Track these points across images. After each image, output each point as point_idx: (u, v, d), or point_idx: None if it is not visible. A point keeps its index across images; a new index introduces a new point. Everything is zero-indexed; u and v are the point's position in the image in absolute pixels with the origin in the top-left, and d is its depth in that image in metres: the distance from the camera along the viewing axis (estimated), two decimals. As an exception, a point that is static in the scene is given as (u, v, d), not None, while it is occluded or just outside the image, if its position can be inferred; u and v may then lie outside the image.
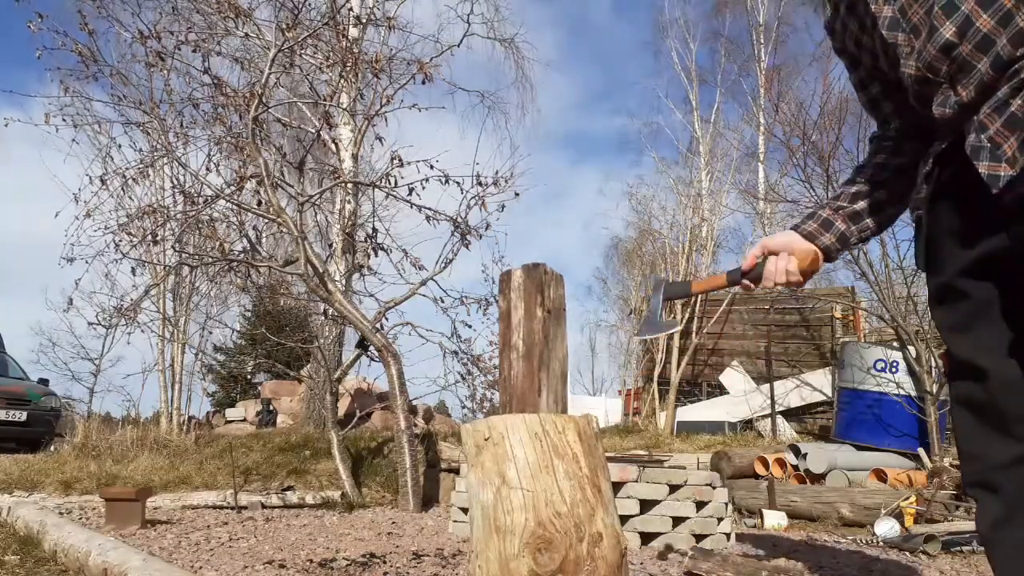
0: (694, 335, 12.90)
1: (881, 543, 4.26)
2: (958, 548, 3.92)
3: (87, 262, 6.42)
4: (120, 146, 7.01)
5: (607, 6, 38.48)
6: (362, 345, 6.32)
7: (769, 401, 11.05)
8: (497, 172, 6.32)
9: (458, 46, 7.10)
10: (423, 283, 6.40)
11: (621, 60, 38.59)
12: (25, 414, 10.58)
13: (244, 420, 11.78)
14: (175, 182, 7.06)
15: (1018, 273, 1.24)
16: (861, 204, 1.57)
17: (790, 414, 11.43)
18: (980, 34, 1.18)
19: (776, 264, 1.60)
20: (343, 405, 9.05)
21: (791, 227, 1.65)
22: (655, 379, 13.16)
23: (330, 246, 8.54)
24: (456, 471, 5.84)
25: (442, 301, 6.73)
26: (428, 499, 5.77)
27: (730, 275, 1.71)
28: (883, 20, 1.32)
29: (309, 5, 6.53)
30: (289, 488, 6.11)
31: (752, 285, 1.67)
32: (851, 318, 12.03)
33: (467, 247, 6.40)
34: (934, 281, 1.38)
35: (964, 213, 1.30)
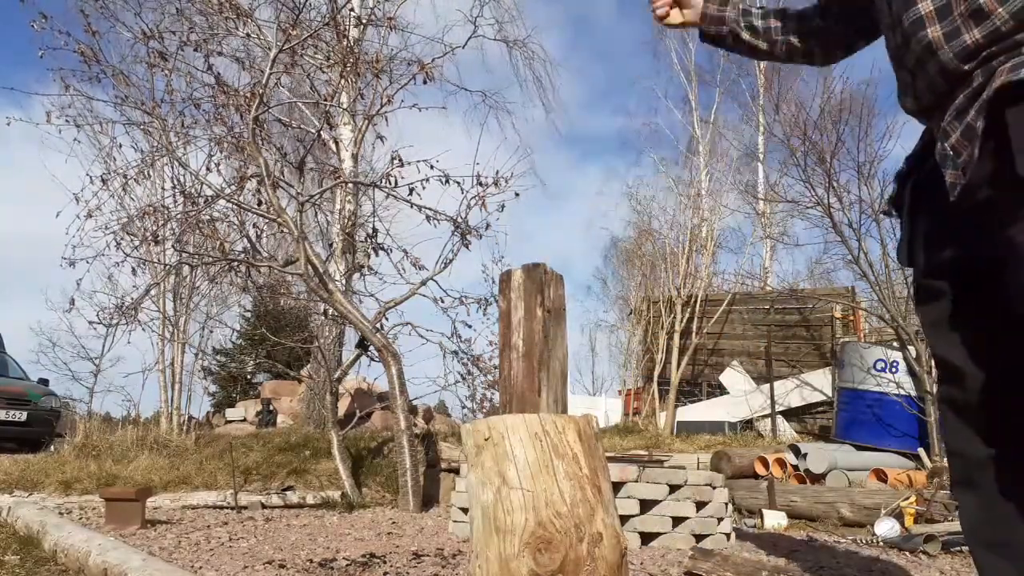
0: (694, 335, 12.90)
1: (881, 543, 4.26)
2: (958, 548, 3.92)
3: (88, 263, 6.43)
4: (121, 146, 7.03)
5: (611, 5, 38.47)
6: (362, 345, 6.32)
7: (769, 401, 11.05)
8: (497, 172, 6.33)
9: (463, 47, 7.10)
10: (423, 283, 6.40)
11: (623, 59, 38.59)
12: (25, 414, 10.58)
13: (244, 420, 11.78)
14: (176, 182, 7.07)
15: (979, 279, 1.26)
16: (761, 23, 1.73)
17: (790, 414, 11.43)
18: (926, 40, 1.20)
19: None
20: (343, 405, 9.04)
21: None
22: (655, 379, 13.16)
23: (330, 246, 8.54)
24: (456, 471, 5.84)
25: (442, 301, 6.73)
26: (428, 499, 5.77)
27: None
28: None
29: (310, 5, 6.52)
30: (289, 488, 6.11)
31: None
32: (851, 318, 12.04)
33: (467, 247, 6.40)
34: (914, 280, 1.42)
35: (935, 215, 1.33)
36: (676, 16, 1.82)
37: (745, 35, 1.74)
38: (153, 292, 9.25)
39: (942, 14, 1.18)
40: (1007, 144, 1.07)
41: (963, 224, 1.23)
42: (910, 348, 8.12)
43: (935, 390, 7.82)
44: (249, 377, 14.57)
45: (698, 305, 13.10)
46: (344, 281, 7.70)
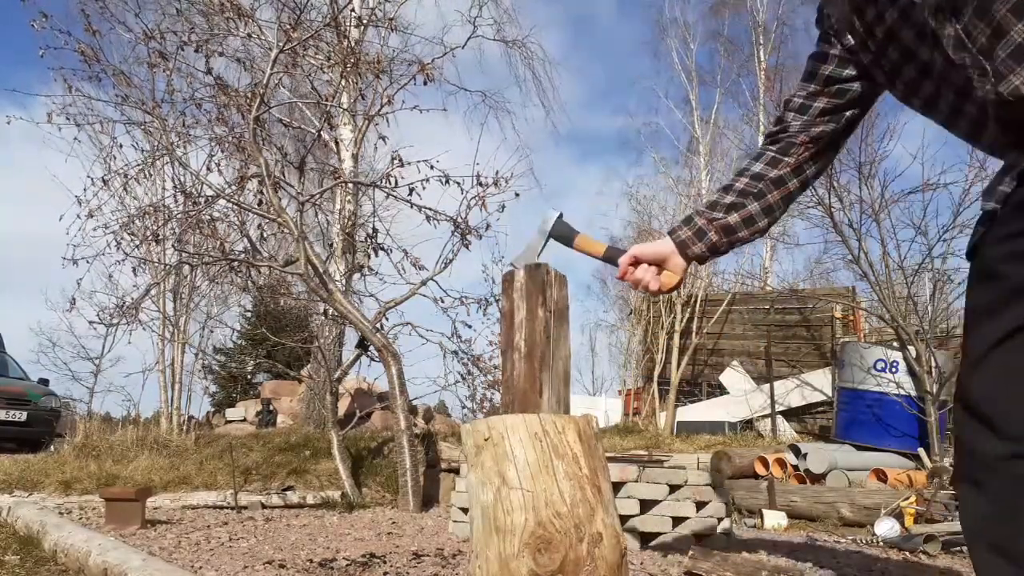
0: (694, 335, 12.90)
1: (881, 543, 4.26)
2: (958, 548, 3.92)
3: (88, 262, 6.44)
4: (121, 146, 7.03)
5: (612, 5, 38.46)
6: (362, 345, 6.32)
7: (769, 401, 11.05)
8: (497, 172, 6.33)
9: (462, 47, 7.11)
10: (423, 283, 6.40)
11: (624, 59, 38.58)
12: (25, 414, 10.58)
13: (244, 420, 11.78)
14: (176, 182, 7.07)
15: None
16: (734, 217, 1.63)
17: (790, 414, 11.43)
18: None
19: (644, 275, 1.72)
20: (343, 405, 9.04)
21: (668, 231, 1.72)
22: (655, 379, 13.16)
23: (330, 246, 8.54)
24: (456, 471, 5.85)
25: (442, 301, 6.73)
26: (428, 499, 5.77)
27: (609, 250, 1.81)
28: (948, 39, 1.26)
29: (311, 6, 6.53)
30: (289, 488, 6.11)
31: (620, 275, 1.78)
32: (851, 318, 12.04)
33: (467, 247, 6.40)
34: (976, 264, 1.35)
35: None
36: (669, 279, 1.74)
37: (742, 233, 1.66)
38: (153, 292, 9.26)
39: None
40: None
41: None
42: (910, 348, 8.12)
43: (935, 391, 7.84)
44: (249, 377, 14.57)
45: (698, 305, 13.10)
46: (344, 281, 7.70)
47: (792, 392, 11.35)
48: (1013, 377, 1.28)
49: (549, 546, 1.52)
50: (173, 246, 7.58)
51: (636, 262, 1.75)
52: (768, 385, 11.19)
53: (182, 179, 6.87)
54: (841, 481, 6.55)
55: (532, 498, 1.55)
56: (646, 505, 3.94)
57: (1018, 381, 1.28)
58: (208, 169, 6.43)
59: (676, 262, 1.71)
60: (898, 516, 4.81)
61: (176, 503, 5.38)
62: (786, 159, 1.61)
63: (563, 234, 1.83)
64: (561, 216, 1.86)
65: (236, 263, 6.59)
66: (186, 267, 9.30)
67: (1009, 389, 1.28)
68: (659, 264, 1.74)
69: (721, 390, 12.40)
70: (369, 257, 7.18)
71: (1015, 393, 1.28)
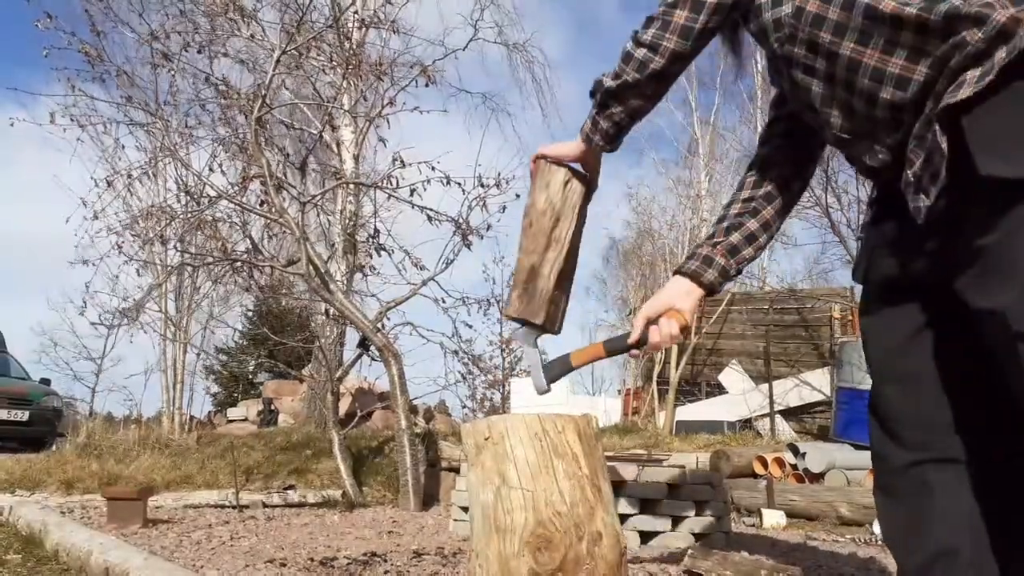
0: (693, 335, 12.91)
1: (879, 542, 4.28)
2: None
3: (94, 264, 6.47)
4: (124, 147, 7.05)
5: (613, 5, 38.44)
6: (363, 345, 6.34)
7: (768, 401, 11.07)
8: (499, 173, 6.35)
9: (463, 50, 7.13)
10: (424, 283, 6.42)
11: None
12: (27, 414, 10.60)
13: (246, 420, 11.81)
14: (179, 183, 7.09)
15: (938, 289, 1.27)
16: (736, 237, 1.65)
17: (789, 414, 11.45)
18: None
19: (660, 331, 1.66)
20: (344, 405, 9.06)
21: (674, 271, 1.72)
22: (654, 379, 13.17)
23: (332, 246, 8.56)
24: (457, 470, 5.86)
25: (443, 301, 6.75)
26: (428, 498, 5.79)
27: (608, 345, 1.74)
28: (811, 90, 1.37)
29: (313, 7, 6.55)
30: (290, 487, 6.12)
31: (639, 353, 1.73)
32: (850, 318, 12.05)
33: (468, 248, 6.42)
34: (868, 284, 1.45)
35: (895, 244, 1.35)
36: (679, 335, 1.69)
37: (746, 251, 1.67)
38: (155, 292, 9.28)
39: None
40: (965, 152, 1.10)
41: (925, 243, 1.25)
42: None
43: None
44: (251, 377, 14.59)
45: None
46: (345, 281, 7.72)
47: (791, 392, 11.36)
48: (903, 387, 1.36)
49: (549, 545, 1.54)
50: (175, 247, 7.60)
51: (650, 323, 1.69)
52: (767, 385, 11.20)
53: (185, 180, 6.90)
54: (840, 480, 6.57)
55: (532, 497, 1.57)
56: (645, 504, 3.95)
57: (908, 390, 1.35)
58: (211, 170, 6.46)
59: (684, 303, 1.68)
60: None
61: (178, 502, 5.40)
62: (768, 175, 1.66)
63: (558, 372, 1.76)
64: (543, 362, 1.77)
65: (238, 263, 6.61)
66: (188, 267, 9.32)
67: (902, 399, 1.36)
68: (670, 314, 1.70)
69: (720, 390, 12.42)
70: (371, 257, 7.20)
71: (907, 402, 1.35)
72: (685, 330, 1.70)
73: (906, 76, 1.19)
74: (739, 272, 1.71)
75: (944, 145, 1.11)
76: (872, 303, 1.43)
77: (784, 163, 1.65)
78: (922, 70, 1.17)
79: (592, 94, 1.61)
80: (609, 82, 1.54)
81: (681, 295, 1.67)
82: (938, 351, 1.32)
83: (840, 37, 1.24)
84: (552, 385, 1.76)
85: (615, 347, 1.74)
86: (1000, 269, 1.13)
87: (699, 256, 1.67)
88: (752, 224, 1.65)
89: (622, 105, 1.56)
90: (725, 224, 1.67)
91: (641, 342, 1.69)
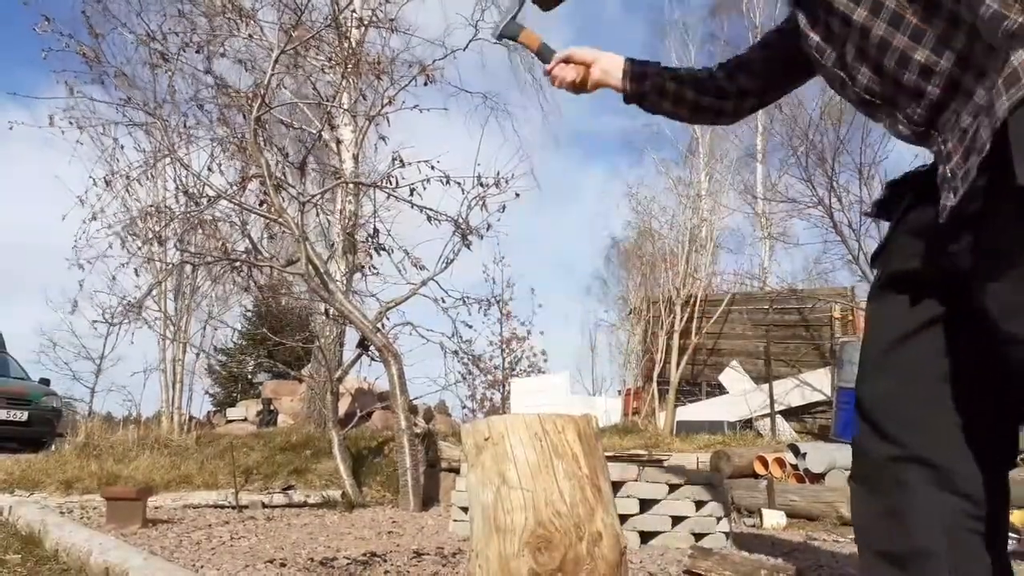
0: (694, 335, 12.91)
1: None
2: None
3: (91, 263, 6.47)
4: (123, 147, 7.04)
5: (616, 5, 38.44)
6: (363, 345, 6.33)
7: (768, 401, 11.06)
8: (498, 173, 6.34)
9: (464, 49, 7.12)
10: (424, 283, 6.41)
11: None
12: (26, 414, 10.59)
13: (245, 420, 11.79)
14: (178, 183, 7.09)
15: (949, 287, 1.26)
16: (672, 86, 1.73)
17: (789, 414, 11.44)
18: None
19: (561, 71, 1.82)
20: (344, 405, 9.05)
21: (626, 60, 1.81)
22: (655, 379, 13.17)
23: (331, 246, 8.56)
24: (456, 470, 5.85)
25: (443, 301, 6.75)
26: (428, 498, 5.78)
27: (542, 48, 1.90)
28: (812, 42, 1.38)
29: (312, 6, 6.54)
30: (290, 487, 6.12)
31: (547, 68, 1.86)
32: (850, 318, 12.05)
33: (468, 247, 6.42)
34: (881, 272, 1.43)
35: (919, 232, 1.32)
36: (572, 85, 1.83)
37: (669, 85, 1.74)
38: (155, 292, 9.28)
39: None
40: (1006, 155, 1.04)
41: (947, 239, 1.21)
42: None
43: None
44: (250, 377, 14.59)
45: (698, 305, 13.11)
46: (345, 281, 7.71)
47: (791, 392, 11.36)
48: (895, 381, 1.34)
49: (549, 545, 1.53)
50: (175, 246, 7.60)
51: (568, 60, 1.82)
52: (767, 385, 11.20)
53: (184, 180, 6.89)
54: (840, 481, 6.55)
55: (532, 498, 1.56)
56: (645, 504, 3.95)
57: (900, 385, 1.33)
58: (210, 170, 6.46)
59: (611, 61, 1.78)
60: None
61: (177, 502, 5.39)
62: (719, 74, 1.73)
63: (511, 33, 1.94)
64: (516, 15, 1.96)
65: (237, 263, 6.60)
66: (188, 267, 9.32)
67: (892, 393, 1.34)
68: (588, 66, 1.81)
69: (720, 390, 12.41)
70: (370, 257, 7.19)
71: (896, 397, 1.34)
72: (574, 87, 1.81)
73: (942, 44, 1.15)
74: (637, 96, 1.77)
75: (988, 144, 1.06)
76: (883, 289, 1.39)
77: (734, 78, 1.70)
78: (960, 37, 1.13)
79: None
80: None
81: (606, 62, 1.78)
82: (943, 350, 1.29)
83: None
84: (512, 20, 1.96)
85: (543, 53, 1.89)
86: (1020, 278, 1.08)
87: (644, 71, 1.76)
88: (671, 86, 1.73)
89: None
90: (677, 73, 1.76)
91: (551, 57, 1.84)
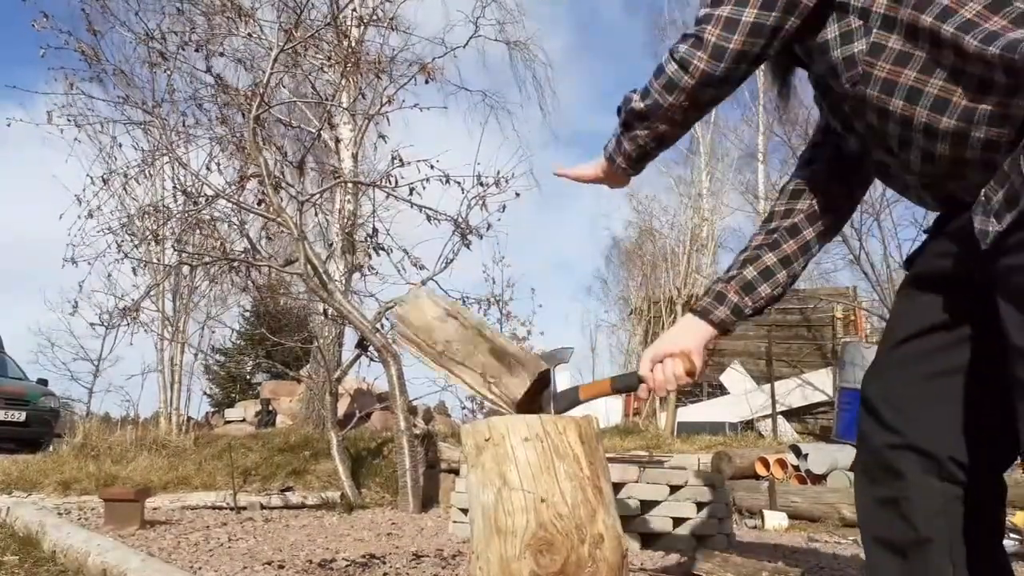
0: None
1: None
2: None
3: (89, 263, 6.44)
4: (121, 145, 7.02)
5: (616, 5, 38.46)
6: (362, 345, 6.31)
7: (770, 401, 11.05)
8: (498, 172, 6.33)
9: (463, 47, 7.11)
10: (423, 283, 6.39)
11: (627, 59, 38.58)
12: (24, 414, 10.57)
13: (243, 420, 11.78)
14: (176, 182, 7.07)
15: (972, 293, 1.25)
16: (750, 271, 1.53)
17: (791, 414, 11.43)
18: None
19: (664, 372, 1.57)
20: (343, 405, 9.03)
21: (688, 309, 1.63)
22: (655, 379, 13.13)
23: (330, 246, 8.54)
24: (456, 472, 5.83)
25: (442, 301, 6.71)
26: (428, 500, 5.76)
27: (615, 382, 1.71)
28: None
29: (311, 5, 6.52)
30: (288, 489, 6.10)
31: (644, 394, 1.68)
32: (852, 318, 12.04)
33: (467, 247, 6.40)
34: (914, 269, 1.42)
35: (956, 227, 1.30)
36: (683, 376, 1.58)
37: (762, 288, 1.53)
38: (153, 292, 9.25)
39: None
40: None
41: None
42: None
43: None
44: (248, 377, 14.58)
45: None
46: (344, 281, 7.69)
47: (793, 392, 11.35)
48: (901, 373, 1.35)
49: (551, 547, 1.51)
50: (173, 246, 7.58)
51: (655, 364, 1.60)
52: (769, 385, 11.19)
53: (182, 179, 6.87)
54: (842, 482, 6.54)
55: (533, 499, 1.54)
56: (646, 506, 3.93)
57: (905, 377, 1.34)
58: (208, 169, 6.44)
59: (690, 343, 1.58)
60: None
61: (175, 504, 5.37)
62: (798, 206, 1.54)
63: (569, 402, 1.76)
64: (558, 359, 1.79)
65: (236, 263, 6.58)
66: (186, 267, 9.30)
67: (896, 384, 1.35)
68: (675, 354, 1.60)
69: (722, 390, 12.40)
70: (369, 257, 7.18)
71: (900, 388, 1.34)
72: (691, 373, 1.58)
73: (1000, 113, 1.12)
74: (757, 311, 1.57)
75: None
76: (906, 287, 1.40)
77: (817, 194, 1.52)
78: (1020, 105, 1.10)
79: (618, 111, 1.47)
80: (636, 101, 1.41)
81: (688, 334, 1.57)
82: (954, 349, 1.29)
83: (928, 75, 1.16)
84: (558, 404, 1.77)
85: (622, 385, 1.70)
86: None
87: (712, 292, 1.56)
88: (769, 258, 1.51)
89: (648, 128, 1.42)
90: (743, 256, 1.55)
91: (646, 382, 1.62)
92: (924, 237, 1.43)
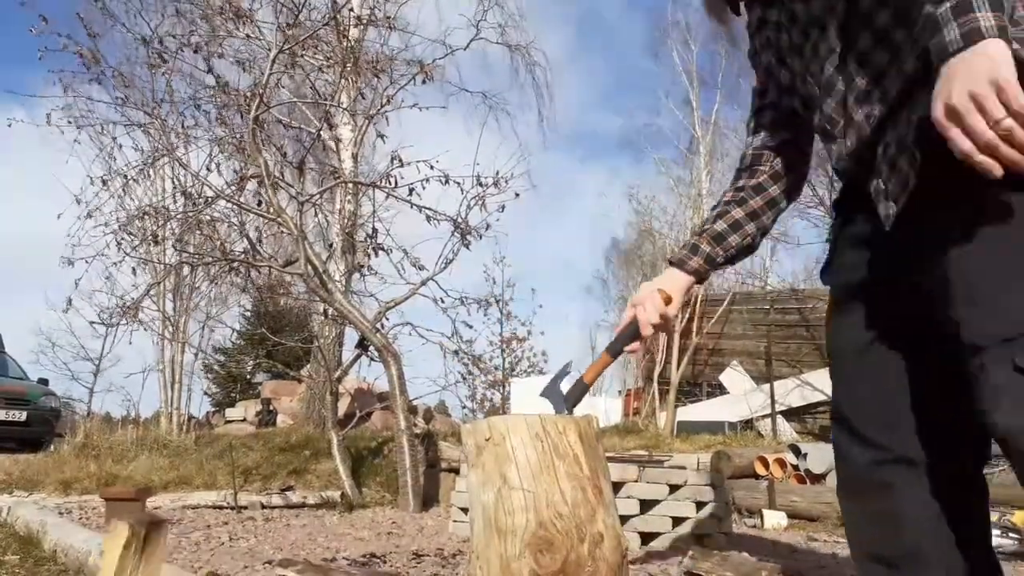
0: (694, 335, 12.89)
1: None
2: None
3: (87, 262, 6.43)
4: (121, 146, 7.01)
5: (618, 5, 38.44)
6: (362, 345, 6.32)
7: (769, 401, 11.05)
8: (498, 172, 6.33)
9: (464, 49, 7.11)
10: (423, 283, 6.40)
11: (627, 60, 38.57)
12: (25, 414, 10.57)
13: (244, 420, 11.80)
14: (176, 183, 7.07)
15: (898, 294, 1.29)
16: (721, 224, 1.62)
17: (790, 414, 11.43)
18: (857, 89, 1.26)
19: (646, 309, 1.63)
20: (343, 405, 9.04)
21: (666, 261, 1.71)
22: (655, 379, 13.16)
23: (330, 246, 8.54)
24: (456, 471, 5.84)
25: (442, 301, 6.73)
26: (428, 499, 5.77)
27: (610, 348, 1.72)
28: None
29: (310, 5, 6.52)
30: (289, 488, 6.11)
31: (635, 347, 1.69)
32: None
33: (467, 247, 6.40)
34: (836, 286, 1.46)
35: (865, 234, 1.35)
36: (663, 313, 1.64)
37: (732, 239, 1.63)
38: (153, 292, 9.25)
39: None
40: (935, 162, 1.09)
41: (892, 247, 1.25)
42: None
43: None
44: (249, 377, 14.58)
45: (698, 305, 13.10)
46: (344, 281, 7.70)
47: (792, 392, 11.35)
48: (869, 386, 1.36)
49: (551, 547, 1.52)
50: (173, 246, 7.58)
51: (637, 307, 1.67)
52: (768, 385, 11.19)
53: (182, 180, 6.87)
54: (841, 481, 6.55)
55: (533, 499, 1.54)
56: (646, 505, 3.93)
57: (873, 390, 1.35)
58: (208, 170, 6.43)
59: (671, 284, 1.65)
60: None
61: (176, 503, 5.38)
62: (760, 167, 1.63)
63: (578, 395, 1.77)
64: (565, 373, 1.81)
65: (236, 263, 6.59)
66: (186, 267, 9.30)
67: (867, 398, 1.36)
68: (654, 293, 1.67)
69: (721, 390, 12.41)
70: (369, 257, 7.18)
71: (872, 401, 1.35)
72: (669, 302, 1.64)
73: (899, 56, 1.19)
74: (729, 260, 1.67)
75: (918, 153, 1.11)
76: (842, 302, 1.42)
77: (774, 154, 1.62)
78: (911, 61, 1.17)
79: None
80: None
81: (667, 280, 1.66)
82: (907, 354, 1.32)
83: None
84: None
85: (615, 347, 1.72)
86: (958, 280, 1.12)
87: (687, 244, 1.67)
88: (737, 212, 1.62)
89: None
90: (714, 212, 1.66)
91: (631, 331, 1.66)
92: (833, 245, 1.47)
